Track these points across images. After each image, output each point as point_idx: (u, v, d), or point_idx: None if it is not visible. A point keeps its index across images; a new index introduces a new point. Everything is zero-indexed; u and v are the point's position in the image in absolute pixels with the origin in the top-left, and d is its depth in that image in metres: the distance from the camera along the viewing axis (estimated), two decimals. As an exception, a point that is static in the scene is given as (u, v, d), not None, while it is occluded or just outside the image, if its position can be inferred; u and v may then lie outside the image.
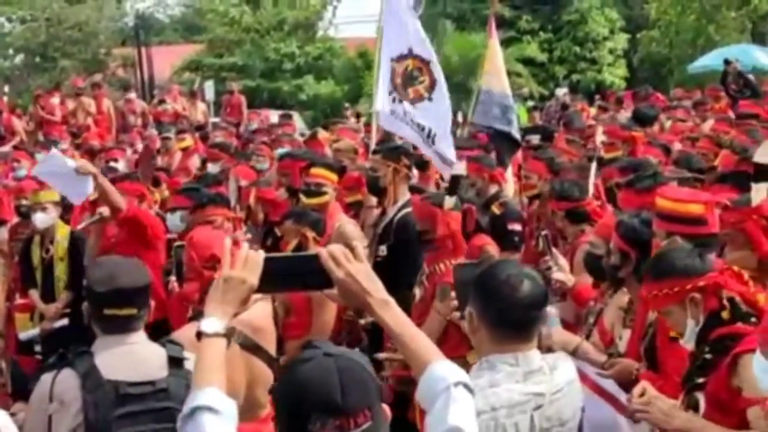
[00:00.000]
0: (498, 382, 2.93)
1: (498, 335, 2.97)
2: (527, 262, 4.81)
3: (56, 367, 3.35)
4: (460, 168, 5.74)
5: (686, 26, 27.39)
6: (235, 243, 2.59)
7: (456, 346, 4.49)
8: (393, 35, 7.98)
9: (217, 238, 4.75)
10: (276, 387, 2.21)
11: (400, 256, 5.69)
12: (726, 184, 5.61)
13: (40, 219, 7.05)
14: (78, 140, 14.84)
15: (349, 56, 28.89)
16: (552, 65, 28.71)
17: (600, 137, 8.33)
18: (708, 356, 3.36)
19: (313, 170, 6.74)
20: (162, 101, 19.04)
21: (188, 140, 12.09)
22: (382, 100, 7.90)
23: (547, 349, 4.10)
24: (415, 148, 7.69)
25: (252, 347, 4.09)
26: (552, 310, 4.35)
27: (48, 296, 7.15)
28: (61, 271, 7.11)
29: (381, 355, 4.78)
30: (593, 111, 15.99)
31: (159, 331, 6.51)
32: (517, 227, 6.50)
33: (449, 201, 5.25)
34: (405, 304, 5.41)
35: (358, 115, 18.80)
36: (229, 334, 2.47)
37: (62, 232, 7.20)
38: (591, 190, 6.27)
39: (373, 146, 7.61)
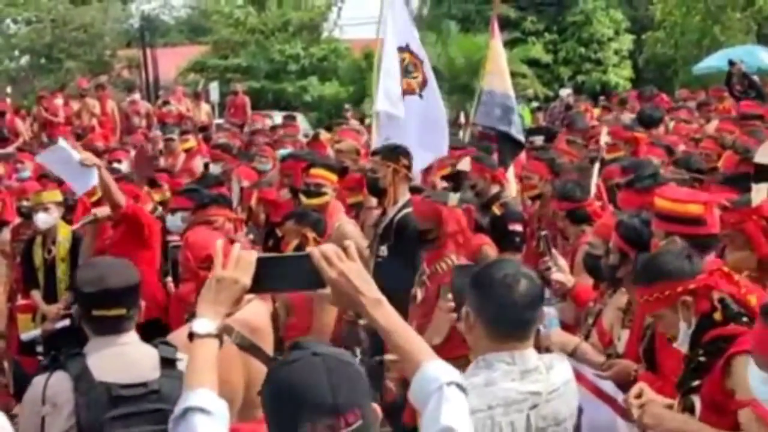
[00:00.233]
0: (494, 380, 2.93)
1: (494, 334, 2.97)
2: (528, 263, 4.80)
3: (48, 370, 3.34)
4: (465, 164, 5.75)
5: (691, 27, 27.36)
6: (233, 243, 2.58)
7: (459, 345, 4.48)
8: (393, 32, 8.00)
9: (213, 239, 4.75)
10: (264, 388, 2.19)
11: (401, 257, 5.69)
12: (727, 185, 5.59)
13: (41, 219, 7.06)
14: (82, 141, 14.84)
15: (353, 57, 28.88)
16: (557, 66, 28.70)
17: (605, 138, 8.31)
18: (702, 359, 3.35)
19: (313, 171, 6.74)
20: (166, 102, 19.04)
21: (191, 141, 12.09)
22: (382, 100, 7.91)
23: (545, 349, 4.10)
24: None
25: (249, 347, 4.08)
26: (551, 311, 4.35)
27: (50, 297, 7.17)
28: (63, 271, 7.12)
29: (387, 357, 4.78)
30: (597, 112, 15.96)
31: (158, 331, 6.58)
32: (517, 228, 6.50)
33: (453, 197, 5.26)
34: (405, 304, 5.45)
35: (362, 118, 18.78)
36: (221, 334, 2.46)
37: (64, 233, 7.21)
38: (593, 190, 6.26)
39: (373, 147, 7.62)
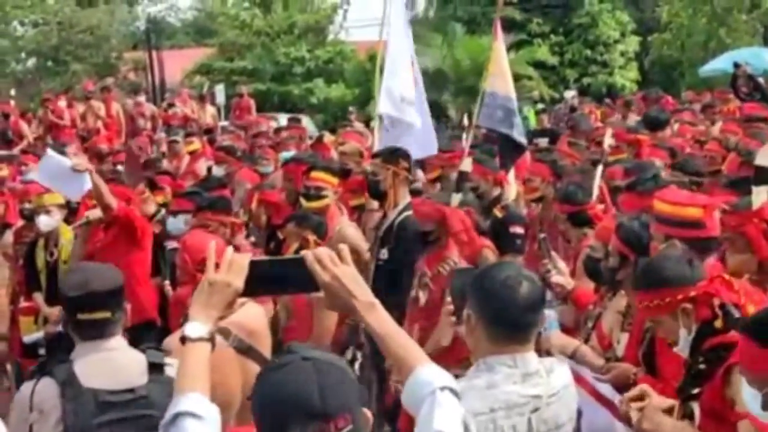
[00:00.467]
0: (496, 383, 2.92)
1: (496, 336, 2.96)
2: (530, 266, 4.78)
3: (36, 376, 3.33)
4: (467, 165, 5.76)
5: (698, 29, 27.34)
6: (233, 248, 2.57)
7: (465, 347, 4.47)
8: (397, 34, 8.01)
9: (211, 242, 4.74)
10: (254, 392, 2.18)
11: (401, 259, 5.68)
12: (729, 188, 5.57)
13: (43, 222, 7.06)
14: (87, 144, 14.86)
15: (359, 60, 28.90)
16: (563, 68, 28.70)
17: (608, 140, 8.29)
18: (702, 366, 3.33)
19: (314, 174, 6.74)
20: (171, 105, 19.06)
21: (196, 144, 12.10)
22: (384, 103, 7.90)
23: (545, 352, 4.08)
24: None
25: (246, 350, 4.09)
26: (551, 314, 4.33)
27: (52, 299, 7.15)
28: (65, 274, 7.11)
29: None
30: (599, 112, 15.97)
31: (152, 333, 6.59)
32: (518, 230, 6.44)
33: (456, 198, 5.26)
34: (405, 306, 5.44)
35: (367, 121, 18.78)
36: (213, 338, 2.45)
37: (66, 236, 7.20)
38: (595, 193, 6.24)
39: (375, 149, 7.62)
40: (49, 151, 7.34)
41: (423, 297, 5.26)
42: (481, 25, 27.25)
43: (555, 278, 4.61)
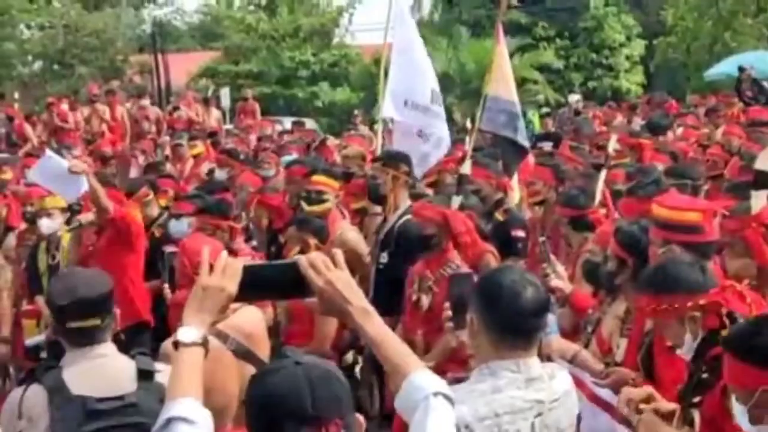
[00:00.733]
0: (500, 388, 2.92)
1: (499, 341, 2.95)
2: (531, 269, 4.78)
3: (25, 383, 3.31)
4: (466, 167, 5.75)
5: (703, 33, 27.32)
6: (232, 252, 2.57)
7: (465, 350, 4.48)
8: (406, 41, 8.00)
9: (212, 246, 4.74)
10: (247, 396, 2.18)
11: (401, 264, 5.67)
12: (730, 193, 5.56)
13: (45, 225, 7.07)
14: (91, 147, 14.89)
15: (364, 63, 28.91)
16: (568, 72, 28.69)
17: (613, 145, 8.27)
18: (705, 375, 3.31)
19: (315, 178, 6.75)
20: (176, 108, 19.09)
21: (200, 147, 12.10)
22: (388, 107, 7.89)
23: (545, 357, 4.08)
24: None
25: (244, 354, 4.06)
26: (551, 318, 4.32)
27: (54, 302, 7.14)
28: (54, 281, 7.10)
29: None
30: (599, 113, 15.99)
31: (149, 335, 6.60)
32: (520, 234, 6.47)
33: (456, 200, 5.26)
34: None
35: (371, 124, 18.80)
36: (206, 343, 2.44)
37: (68, 239, 7.21)
38: (598, 197, 6.22)
39: (378, 153, 7.63)
40: (48, 153, 7.36)
41: (426, 301, 5.26)
42: (486, 28, 27.24)
43: (554, 282, 4.60)
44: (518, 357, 2.95)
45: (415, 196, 6.41)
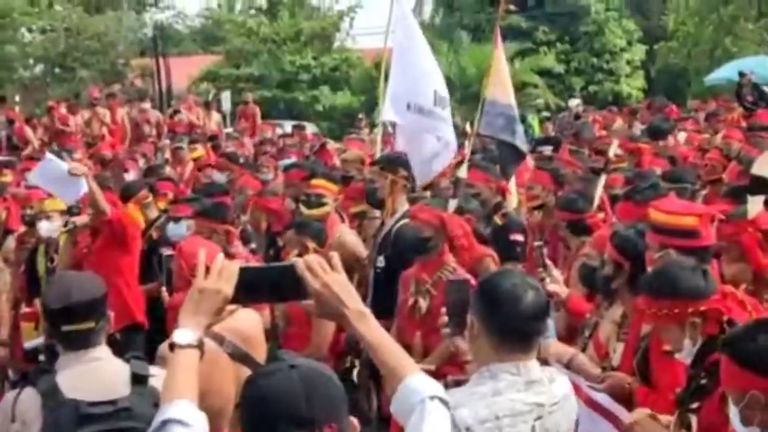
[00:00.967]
0: (501, 390, 2.93)
1: (500, 344, 2.96)
2: (530, 273, 4.78)
3: (19, 386, 3.32)
4: (462, 171, 5.75)
5: (704, 38, 27.37)
6: (228, 255, 2.57)
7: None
8: (408, 45, 7.96)
9: (209, 249, 4.75)
10: (241, 399, 2.18)
11: (398, 267, 5.68)
12: (728, 197, 5.56)
13: (44, 228, 7.07)
14: (91, 150, 14.89)
15: (365, 67, 28.94)
16: (569, 76, 28.71)
17: (614, 150, 8.27)
18: (704, 381, 3.31)
19: (314, 181, 6.76)
20: (177, 111, 19.10)
21: (200, 150, 12.10)
22: (388, 111, 7.88)
23: (542, 360, 4.08)
24: None
25: (241, 356, 4.07)
26: (549, 322, 4.32)
27: (53, 305, 7.14)
28: (46, 285, 7.11)
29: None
30: (599, 117, 15.99)
31: (143, 336, 6.61)
32: (519, 238, 6.47)
33: (452, 203, 5.27)
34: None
35: (372, 127, 18.81)
36: (202, 345, 2.45)
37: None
38: (597, 202, 6.23)
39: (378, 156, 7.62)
40: (48, 155, 7.38)
41: (424, 304, 5.26)
42: (487, 32, 27.25)
43: (550, 287, 4.59)
44: (518, 360, 2.96)
45: (413, 200, 6.41)
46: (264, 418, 2.13)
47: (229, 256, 5.50)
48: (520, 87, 24.05)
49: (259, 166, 9.65)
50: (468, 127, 8.20)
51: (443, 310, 4.08)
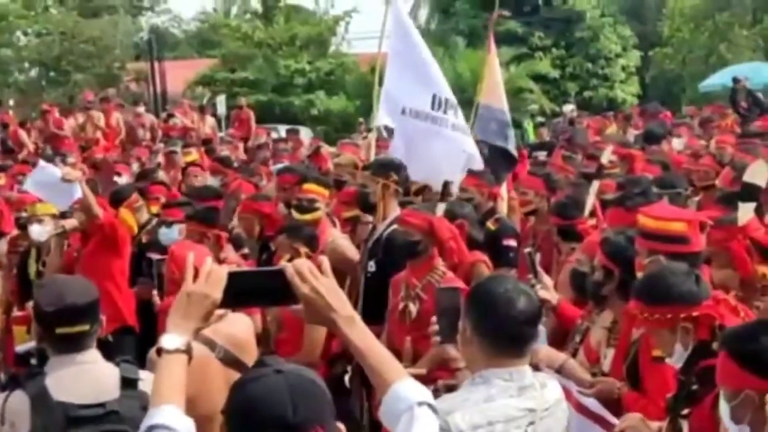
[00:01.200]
0: (493, 396, 2.94)
1: (493, 350, 2.97)
2: (523, 279, 4.78)
3: (8, 389, 3.31)
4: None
5: (699, 44, 27.46)
6: (219, 261, 2.57)
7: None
8: (403, 49, 7.94)
9: (199, 253, 4.75)
10: (227, 405, 2.18)
11: (389, 272, 5.67)
12: (720, 203, 5.57)
13: (36, 231, 7.06)
14: (85, 154, 14.89)
15: (360, 72, 28.92)
16: (564, 81, 28.75)
17: (607, 156, 8.27)
18: (694, 387, 3.31)
19: (306, 186, 6.75)
20: (171, 115, 19.10)
21: (194, 154, 12.08)
22: (383, 115, 7.87)
23: (533, 366, 4.08)
24: None
25: (232, 362, 4.07)
26: (540, 328, 4.32)
27: (44, 309, 7.13)
28: (38, 288, 7.09)
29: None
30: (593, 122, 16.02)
31: (134, 340, 6.60)
32: (512, 243, 6.47)
33: (441, 207, 5.28)
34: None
35: (369, 131, 18.80)
36: (190, 350, 2.44)
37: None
38: (589, 208, 6.22)
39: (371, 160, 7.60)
40: (42, 162, 7.37)
41: (414, 309, 5.25)
42: (482, 38, 27.12)
43: (540, 293, 4.59)
44: (511, 365, 2.97)
45: (405, 205, 6.41)
46: (249, 424, 2.11)
47: (220, 260, 5.51)
48: (515, 92, 24.08)
49: (252, 170, 9.63)
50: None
51: (434, 318, 4.09)
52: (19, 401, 3.26)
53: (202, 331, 3.79)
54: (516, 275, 6.06)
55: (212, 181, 9.58)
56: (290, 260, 5.62)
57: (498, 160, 7.70)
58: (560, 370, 4.10)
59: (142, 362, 3.64)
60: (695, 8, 28.03)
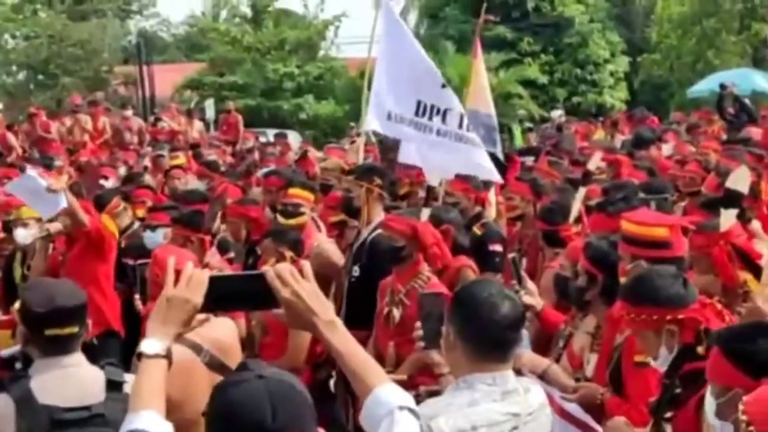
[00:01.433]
0: (477, 401, 2.94)
1: (476, 354, 2.97)
2: (508, 284, 4.78)
3: None
4: (434, 179, 5.72)
5: (687, 50, 27.54)
6: (204, 266, 2.56)
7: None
8: (392, 55, 7.90)
9: (182, 256, 4.74)
10: (208, 408, 2.17)
11: (373, 276, 5.68)
12: (703, 208, 5.59)
13: (21, 235, 7.03)
14: (72, 157, 14.86)
15: (350, 76, 28.91)
16: (552, 87, 28.75)
17: (596, 162, 8.29)
18: (678, 390, 3.33)
19: (291, 191, 6.75)
20: (159, 119, 19.08)
21: (181, 158, 12.06)
22: (371, 120, 7.86)
23: (516, 371, 4.08)
24: None
25: (218, 366, 4.06)
26: (523, 333, 4.32)
27: (29, 313, 7.10)
28: (23, 290, 7.06)
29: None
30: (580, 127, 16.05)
31: (118, 345, 6.58)
32: (498, 248, 6.48)
33: (425, 213, 5.28)
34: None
35: (358, 135, 18.80)
36: (170, 355, 2.43)
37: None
38: (575, 214, 6.24)
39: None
40: (28, 171, 7.34)
41: (398, 314, 5.26)
42: (472, 43, 27.25)
43: (525, 299, 4.61)
44: (494, 370, 2.97)
45: (390, 209, 6.41)
46: (229, 427, 2.11)
47: (204, 265, 5.49)
48: (504, 97, 24.10)
49: (239, 174, 9.63)
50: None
51: (418, 324, 4.09)
52: (3, 404, 3.25)
53: (189, 335, 3.82)
54: (501, 280, 6.08)
55: (198, 185, 9.57)
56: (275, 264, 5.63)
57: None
58: (543, 376, 4.11)
59: (126, 366, 3.64)
60: (683, 15, 28.10)
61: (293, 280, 2.42)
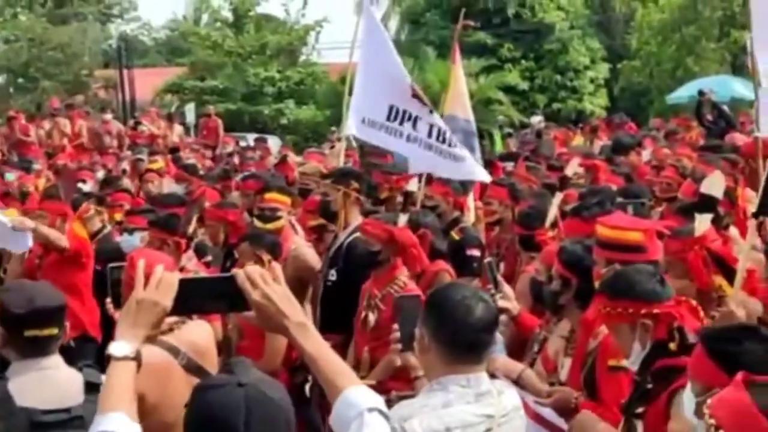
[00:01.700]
0: (451, 402, 2.95)
1: (450, 356, 2.98)
2: (485, 288, 4.79)
3: None
4: (413, 185, 5.73)
5: (666, 57, 27.67)
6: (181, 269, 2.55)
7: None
8: (372, 60, 7.90)
9: (158, 259, 4.72)
10: (186, 409, 2.17)
11: (350, 281, 5.67)
12: (679, 214, 5.61)
13: (-2, 238, 6.98)
14: (50, 161, 14.80)
15: (331, 81, 28.91)
16: (533, 93, 28.86)
17: (573, 168, 8.30)
18: (649, 386, 3.34)
19: (267, 195, 6.74)
20: (138, 123, 19.03)
21: (160, 162, 12.04)
22: (351, 125, 7.87)
23: (490, 375, 4.08)
24: None
25: (195, 369, 4.05)
26: (498, 337, 4.33)
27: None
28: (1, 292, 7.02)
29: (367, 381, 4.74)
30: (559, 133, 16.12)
31: (95, 349, 6.55)
32: (476, 253, 6.48)
33: (403, 218, 5.30)
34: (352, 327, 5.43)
35: (339, 140, 18.79)
36: (139, 357, 2.42)
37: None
38: (551, 219, 6.25)
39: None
40: None
41: (372, 318, 5.26)
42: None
43: (500, 303, 4.61)
44: (468, 372, 2.99)
45: (367, 214, 6.40)
46: (202, 430, 2.13)
47: (180, 268, 5.47)
48: (484, 103, 24.16)
49: (217, 177, 9.60)
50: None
51: (395, 326, 4.09)
52: None
53: (166, 338, 3.81)
54: (479, 285, 6.08)
55: (175, 188, 9.55)
56: (252, 268, 5.61)
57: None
58: (518, 381, 4.11)
59: (103, 370, 3.62)
60: (663, 22, 28.24)
61: (263, 282, 2.41)
